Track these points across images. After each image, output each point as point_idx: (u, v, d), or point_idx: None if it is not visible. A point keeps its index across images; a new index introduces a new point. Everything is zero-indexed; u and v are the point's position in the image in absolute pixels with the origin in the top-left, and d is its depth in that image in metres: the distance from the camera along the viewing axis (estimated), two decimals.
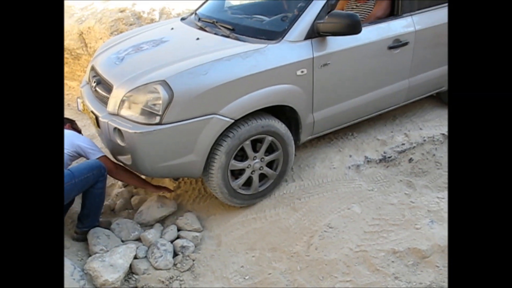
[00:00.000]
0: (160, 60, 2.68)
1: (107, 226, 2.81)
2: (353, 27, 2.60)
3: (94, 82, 2.88)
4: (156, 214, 2.94)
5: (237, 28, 2.92)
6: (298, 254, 2.49)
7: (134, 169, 2.61)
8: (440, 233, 2.35)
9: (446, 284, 2.11)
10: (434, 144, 3.30)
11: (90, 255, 2.58)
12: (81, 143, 2.72)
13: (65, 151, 2.63)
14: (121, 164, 2.72)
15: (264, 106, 2.64)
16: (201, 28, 3.12)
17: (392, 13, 3.19)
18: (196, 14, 3.47)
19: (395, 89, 3.32)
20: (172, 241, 2.72)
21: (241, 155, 2.73)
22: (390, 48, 3.09)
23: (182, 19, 3.59)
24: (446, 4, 3.37)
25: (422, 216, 2.52)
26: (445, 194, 2.71)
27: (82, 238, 2.73)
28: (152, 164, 2.50)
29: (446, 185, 3.06)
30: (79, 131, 3.10)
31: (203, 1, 3.76)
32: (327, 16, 2.67)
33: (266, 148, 2.78)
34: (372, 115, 3.39)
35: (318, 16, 2.72)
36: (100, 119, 2.61)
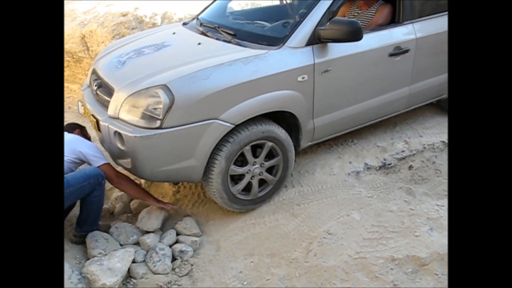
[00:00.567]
0: (162, 64, 2.69)
1: (106, 230, 2.80)
2: (354, 34, 2.60)
3: (95, 85, 2.88)
4: (156, 225, 2.88)
5: (239, 33, 2.93)
6: (297, 260, 2.48)
7: (133, 173, 2.61)
8: (439, 240, 2.35)
9: None
10: (434, 151, 3.30)
11: (88, 259, 2.57)
12: (84, 149, 2.68)
13: (66, 157, 2.61)
14: (123, 173, 2.71)
15: (265, 112, 2.65)
16: (202, 33, 3.13)
17: (393, 20, 3.21)
18: (198, 19, 3.49)
19: (395, 96, 3.33)
20: (170, 246, 2.71)
21: (241, 160, 2.73)
22: (391, 55, 3.10)
23: (184, 24, 3.61)
24: (447, 12, 3.38)
25: (421, 224, 2.52)
26: (444, 201, 2.70)
27: (80, 241, 2.72)
28: (152, 168, 2.50)
29: (446, 193, 3.05)
30: (89, 138, 3.04)
31: (205, 6, 3.77)
32: (328, 23, 2.68)
33: (266, 153, 2.78)
34: (372, 122, 3.40)
35: (320, 23, 2.74)
36: (100, 122, 2.62)
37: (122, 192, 3.35)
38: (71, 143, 2.69)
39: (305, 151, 3.39)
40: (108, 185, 2.99)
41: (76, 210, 2.88)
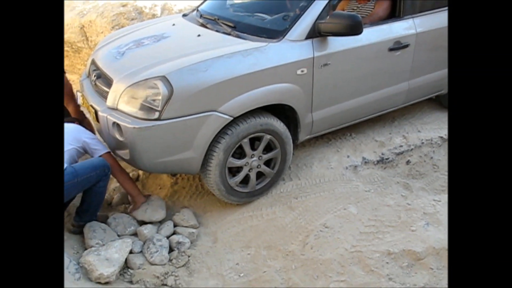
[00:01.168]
0: (161, 55, 2.68)
1: (104, 220, 2.81)
2: (354, 28, 2.60)
3: (94, 76, 2.88)
4: (162, 215, 2.88)
5: (239, 26, 2.93)
6: (293, 253, 2.50)
7: (132, 164, 2.61)
8: (435, 235, 2.36)
9: (439, 286, 2.12)
10: (432, 146, 3.31)
11: (86, 249, 2.58)
12: (86, 139, 2.71)
13: (71, 146, 2.62)
14: (120, 164, 2.71)
15: (263, 105, 2.65)
16: (202, 25, 3.12)
17: (394, 15, 3.20)
18: (198, 10, 3.48)
19: (394, 91, 3.33)
20: (168, 237, 2.73)
21: (239, 153, 2.73)
22: (391, 50, 3.10)
23: (184, 15, 3.59)
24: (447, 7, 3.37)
25: (418, 219, 2.53)
26: (441, 197, 2.72)
27: (78, 231, 2.73)
28: (150, 159, 2.50)
29: (443, 188, 3.07)
30: (92, 130, 3.04)
31: None
32: (328, 16, 2.68)
33: (264, 146, 2.78)
34: (371, 116, 3.40)
35: (320, 16, 2.73)
36: (99, 113, 2.61)
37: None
38: (75, 131, 2.70)
39: (303, 145, 3.39)
40: None
41: (74, 201, 2.89)
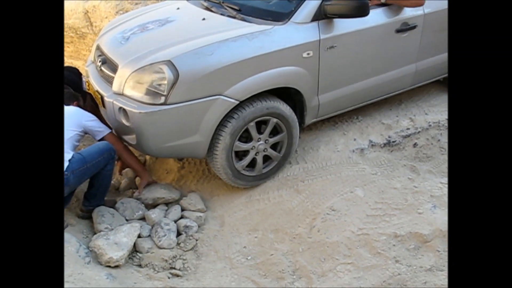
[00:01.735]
0: (166, 40, 2.67)
1: (112, 205, 2.84)
2: (361, 10, 2.56)
3: (99, 61, 2.87)
4: (157, 194, 2.92)
5: (244, 9, 2.89)
6: (300, 236, 2.51)
7: (138, 149, 2.62)
8: (442, 218, 2.36)
9: (446, 268, 2.13)
10: (439, 129, 3.29)
11: (95, 233, 2.61)
12: (88, 122, 2.73)
13: (73, 132, 2.64)
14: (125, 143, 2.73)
15: (269, 88, 2.63)
16: (207, 9, 3.09)
17: None
18: None
19: (401, 73, 3.30)
20: (175, 221, 2.75)
21: (246, 137, 2.73)
22: (398, 31, 3.06)
23: None
24: None
25: (424, 201, 2.53)
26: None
27: (87, 216, 2.76)
28: (157, 144, 2.51)
29: None
30: (96, 105, 3.03)
31: None
32: None
33: (270, 130, 2.78)
34: (377, 99, 3.38)
35: None
36: (105, 98, 2.62)
37: (128, 168, 3.37)
38: (75, 115, 2.71)
39: (310, 128, 3.38)
40: None
41: (82, 186, 2.91)
